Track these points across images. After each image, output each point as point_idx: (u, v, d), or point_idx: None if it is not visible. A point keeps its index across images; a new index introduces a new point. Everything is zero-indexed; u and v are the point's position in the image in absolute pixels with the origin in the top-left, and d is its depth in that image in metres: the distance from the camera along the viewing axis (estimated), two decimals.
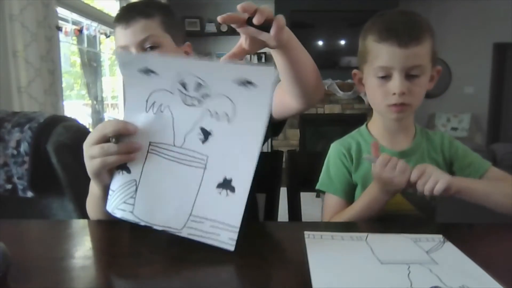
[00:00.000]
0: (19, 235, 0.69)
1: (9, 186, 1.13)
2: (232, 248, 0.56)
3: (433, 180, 0.70)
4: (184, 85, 0.57)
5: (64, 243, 0.65)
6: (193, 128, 0.58)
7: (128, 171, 0.60)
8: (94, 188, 0.69)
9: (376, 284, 0.49)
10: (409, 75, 0.78)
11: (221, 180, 0.57)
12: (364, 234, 0.64)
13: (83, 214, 0.79)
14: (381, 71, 0.80)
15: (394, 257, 0.57)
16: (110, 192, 0.62)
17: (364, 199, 0.80)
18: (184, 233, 0.58)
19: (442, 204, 0.90)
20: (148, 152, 0.60)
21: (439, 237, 0.64)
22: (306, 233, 0.64)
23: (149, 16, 0.87)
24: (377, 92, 0.82)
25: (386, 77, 0.79)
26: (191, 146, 0.58)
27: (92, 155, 0.61)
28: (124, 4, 0.95)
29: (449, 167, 0.88)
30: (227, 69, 0.56)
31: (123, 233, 0.71)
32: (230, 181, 0.57)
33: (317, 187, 0.90)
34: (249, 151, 0.56)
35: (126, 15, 0.86)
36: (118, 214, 0.61)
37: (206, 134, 0.57)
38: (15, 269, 0.50)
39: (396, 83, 0.78)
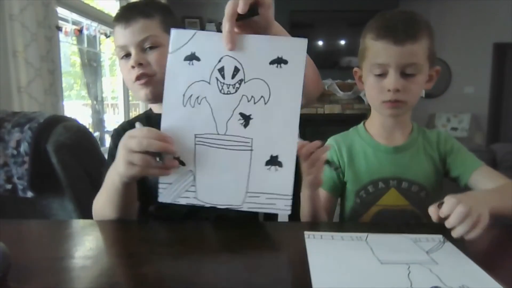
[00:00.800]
0: (19, 235, 0.69)
1: (9, 186, 1.13)
2: (289, 212, 0.62)
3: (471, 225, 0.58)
4: (222, 72, 0.61)
5: (64, 243, 0.65)
6: (232, 114, 0.62)
7: (183, 164, 0.64)
8: (115, 180, 0.68)
9: (376, 284, 0.49)
10: (405, 73, 0.80)
11: (268, 157, 0.62)
12: (364, 234, 0.65)
13: (83, 214, 0.79)
14: (378, 68, 0.81)
15: (394, 257, 0.57)
16: (163, 185, 0.65)
17: (301, 194, 0.79)
18: (245, 208, 0.64)
19: (440, 201, 0.90)
20: (195, 144, 0.63)
21: (439, 237, 0.64)
22: (306, 233, 0.64)
23: (149, 16, 0.87)
24: (373, 89, 0.84)
25: (382, 74, 0.81)
26: (234, 131, 0.62)
27: (132, 161, 0.62)
28: (124, 4, 0.95)
29: (443, 164, 0.90)
30: (261, 42, 0.61)
31: (123, 233, 0.71)
32: (276, 157, 0.62)
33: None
34: (289, 127, 0.61)
35: (126, 15, 0.86)
36: (183, 201, 0.65)
37: (246, 118, 0.62)
38: (15, 269, 0.50)
39: (390, 80, 0.80)
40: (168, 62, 0.63)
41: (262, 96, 0.61)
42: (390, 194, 0.87)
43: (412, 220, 0.86)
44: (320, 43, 4.53)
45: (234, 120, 0.62)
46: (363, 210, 0.88)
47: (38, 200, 1.16)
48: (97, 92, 3.35)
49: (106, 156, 0.93)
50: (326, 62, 4.29)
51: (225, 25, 0.59)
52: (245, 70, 0.61)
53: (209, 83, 0.62)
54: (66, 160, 1.14)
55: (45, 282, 0.50)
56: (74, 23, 2.83)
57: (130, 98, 3.97)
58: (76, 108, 3.35)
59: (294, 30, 0.69)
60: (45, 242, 0.66)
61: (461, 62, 4.72)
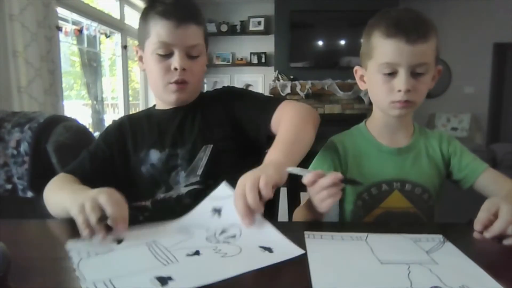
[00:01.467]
0: (19, 235, 0.69)
1: (9, 186, 1.13)
2: None
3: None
4: (224, 228, 0.63)
5: (64, 243, 0.65)
6: (183, 246, 0.59)
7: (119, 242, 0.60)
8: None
9: (376, 284, 0.49)
10: (414, 73, 0.78)
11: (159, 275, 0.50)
12: (364, 234, 0.65)
13: None
14: (387, 67, 0.79)
15: (394, 257, 0.57)
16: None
17: (304, 208, 0.79)
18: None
19: (441, 203, 0.90)
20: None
21: (439, 237, 0.64)
22: (306, 233, 0.64)
23: (199, 23, 0.87)
24: (382, 89, 0.81)
25: (392, 73, 0.79)
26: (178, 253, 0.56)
27: (86, 211, 0.61)
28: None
29: (447, 166, 0.89)
30: (268, 232, 0.60)
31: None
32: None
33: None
34: None
35: (177, 14, 0.84)
36: (73, 254, 0.57)
37: (196, 252, 0.56)
38: (15, 269, 0.50)
39: (402, 80, 0.77)
40: (203, 202, 0.67)
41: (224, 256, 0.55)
42: (394, 196, 0.85)
43: (415, 222, 0.85)
44: (320, 43, 4.53)
45: (183, 249, 0.56)
46: (366, 213, 0.87)
47: (38, 200, 1.16)
48: (97, 92, 3.35)
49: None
50: (326, 62, 4.29)
51: (243, 219, 0.61)
52: (237, 239, 0.60)
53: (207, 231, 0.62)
54: (66, 160, 1.14)
55: (45, 282, 0.50)
56: (74, 23, 2.84)
57: (130, 98, 3.97)
58: (76, 108, 3.35)
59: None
60: (45, 242, 0.66)
61: (461, 62, 4.72)
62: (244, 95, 0.97)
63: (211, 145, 0.88)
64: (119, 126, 0.95)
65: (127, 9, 3.80)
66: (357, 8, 4.04)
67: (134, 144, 0.92)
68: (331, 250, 0.59)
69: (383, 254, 0.57)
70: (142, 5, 4.05)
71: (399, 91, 0.78)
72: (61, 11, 2.61)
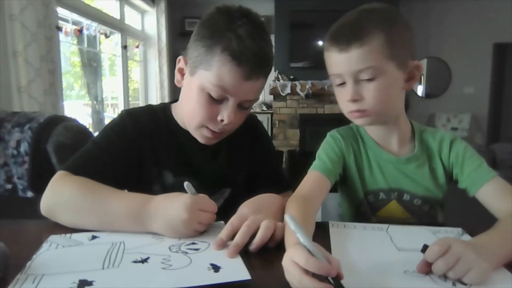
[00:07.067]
0: (19, 235, 0.69)
1: (9, 186, 1.13)
2: None
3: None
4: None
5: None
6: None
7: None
8: (134, 223, 0.65)
9: (390, 267, 0.52)
10: (361, 80, 0.73)
11: None
12: (385, 225, 0.68)
13: None
14: (336, 78, 0.77)
15: (411, 245, 0.59)
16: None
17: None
18: None
19: (444, 213, 0.87)
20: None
21: (458, 230, 0.66)
22: (331, 222, 0.70)
23: (267, 74, 0.78)
24: (338, 100, 0.80)
25: (343, 83, 0.76)
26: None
27: (199, 229, 0.64)
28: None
29: (449, 176, 0.83)
30: None
31: None
32: None
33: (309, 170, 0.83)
34: None
35: (252, 61, 0.72)
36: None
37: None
38: (15, 269, 0.50)
39: (346, 90, 0.75)
40: None
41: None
42: (391, 206, 0.83)
43: None
44: (320, 43, 4.53)
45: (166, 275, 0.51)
46: (363, 221, 0.80)
47: (38, 200, 1.16)
48: (97, 92, 3.35)
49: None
50: None
51: (231, 254, 0.56)
52: (200, 251, 0.58)
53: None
54: (66, 160, 1.14)
55: None
56: (74, 23, 2.84)
57: (130, 98, 3.97)
58: (76, 108, 3.35)
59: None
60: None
61: (461, 62, 4.73)
62: (269, 150, 0.95)
63: (230, 190, 0.83)
64: (137, 125, 0.83)
65: (127, 9, 3.79)
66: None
67: (151, 155, 0.83)
68: (352, 237, 0.63)
69: (401, 243, 0.61)
70: (142, 5, 4.05)
71: (348, 101, 0.76)
72: (61, 11, 2.61)
